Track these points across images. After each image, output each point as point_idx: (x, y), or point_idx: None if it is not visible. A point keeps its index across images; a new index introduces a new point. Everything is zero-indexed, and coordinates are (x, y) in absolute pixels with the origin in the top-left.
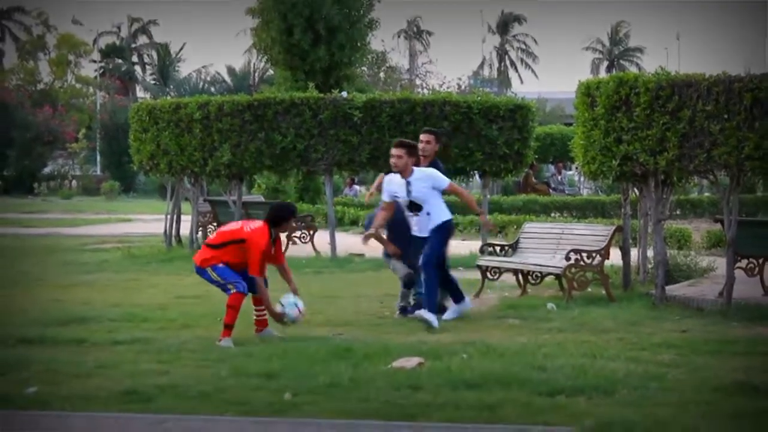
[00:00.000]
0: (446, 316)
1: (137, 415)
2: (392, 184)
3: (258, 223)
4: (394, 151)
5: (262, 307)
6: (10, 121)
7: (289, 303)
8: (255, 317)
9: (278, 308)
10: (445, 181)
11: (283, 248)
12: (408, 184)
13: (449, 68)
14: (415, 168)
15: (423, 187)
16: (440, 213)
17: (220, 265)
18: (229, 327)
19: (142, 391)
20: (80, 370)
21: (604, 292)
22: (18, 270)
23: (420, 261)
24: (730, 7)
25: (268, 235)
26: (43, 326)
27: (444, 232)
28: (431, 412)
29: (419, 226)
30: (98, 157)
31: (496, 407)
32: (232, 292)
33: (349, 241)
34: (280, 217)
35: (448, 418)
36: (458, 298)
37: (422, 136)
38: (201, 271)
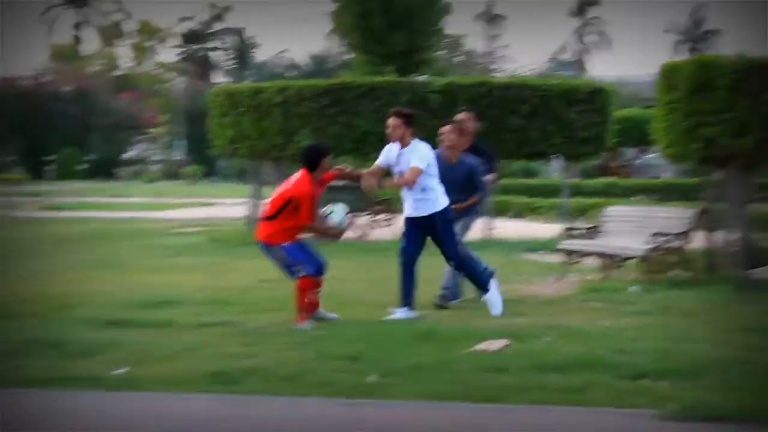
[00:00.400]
0: (395, 315)
1: (224, 397)
2: (390, 152)
3: (297, 175)
4: (389, 121)
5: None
6: (91, 107)
7: (336, 209)
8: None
9: (330, 220)
10: (413, 160)
11: (366, 231)
12: (399, 155)
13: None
14: (413, 140)
15: (405, 161)
16: (437, 197)
17: (289, 244)
18: (304, 310)
19: (228, 373)
20: (168, 352)
21: (687, 275)
22: (104, 253)
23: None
24: None
25: (311, 181)
26: (130, 309)
27: (442, 223)
28: (516, 395)
29: (411, 205)
30: (179, 142)
31: (581, 390)
32: (300, 275)
33: None
34: (314, 158)
35: (533, 401)
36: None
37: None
38: (267, 248)
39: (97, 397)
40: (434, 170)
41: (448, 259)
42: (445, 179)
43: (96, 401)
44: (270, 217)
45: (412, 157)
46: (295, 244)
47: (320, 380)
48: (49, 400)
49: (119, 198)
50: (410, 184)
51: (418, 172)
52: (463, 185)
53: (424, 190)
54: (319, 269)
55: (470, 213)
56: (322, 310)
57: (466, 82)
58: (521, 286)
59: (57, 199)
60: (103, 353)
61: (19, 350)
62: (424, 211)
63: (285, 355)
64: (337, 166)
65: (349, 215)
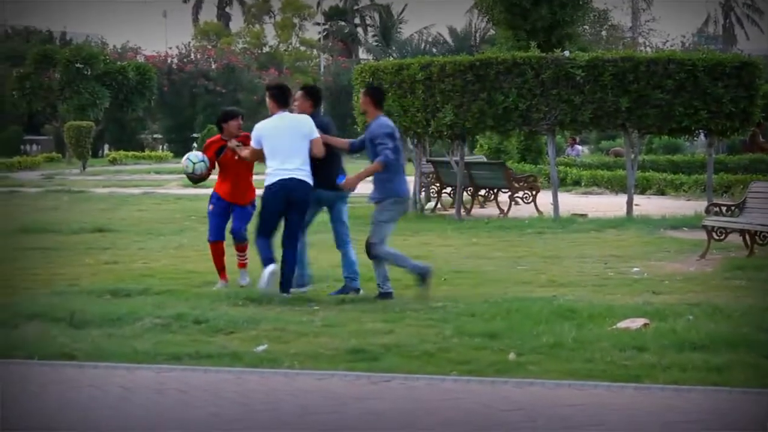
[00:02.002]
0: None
1: (363, 374)
2: None
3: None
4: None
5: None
6: (237, 83)
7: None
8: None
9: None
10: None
11: (506, 209)
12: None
13: (672, 26)
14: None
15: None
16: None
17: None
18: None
19: (367, 349)
20: (307, 328)
21: None
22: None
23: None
24: None
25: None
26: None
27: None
28: (656, 374)
29: None
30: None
31: (723, 369)
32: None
33: (571, 202)
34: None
35: (673, 380)
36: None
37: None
38: None
39: (236, 374)
40: None
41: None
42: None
43: (234, 378)
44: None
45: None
46: (211, 209)
47: (459, 358)
48: (190, 376)
49: (262, 175)
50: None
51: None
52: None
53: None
54: (216, 236)
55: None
56: (243, 272)
57: (610, 57)
58: (664, 264)
59: None
60: (242, 330)
61: (167, 326)
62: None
63: (423, 332)
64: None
65: (199, 163)
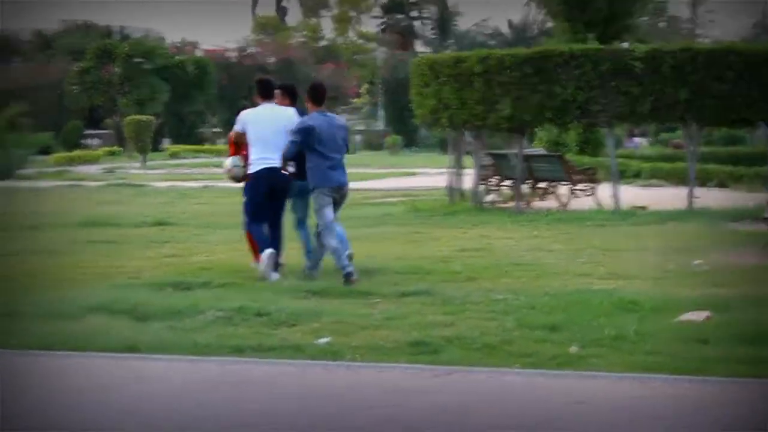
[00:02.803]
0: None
1: (425, 367)
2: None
3: None
4: None
5: None
6: (295, 77)
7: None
8: None
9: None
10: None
11: (566, 201)
12: None
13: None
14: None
15: None
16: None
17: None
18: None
19: (429, 342)
20: (368, 321)
21: None
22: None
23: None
24: None
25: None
26: (331, 278)
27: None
28: (718, 367)
29: None
30: (381, 113)
31: None
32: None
33: (631, 194)
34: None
35: (735, 373)
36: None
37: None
38: None
39: (298, 366)
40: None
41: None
42: None
43: (296, 370)
44: None
45: None
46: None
47: (520, 350)
48: (252, 369)
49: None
50: None
51: None
52: None
53: None
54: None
55: None
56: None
57: (669, 48)
58: (725, 256)
59: None
60: (304, 323)
61: (229, 318)
62: None
63: (484, 324)
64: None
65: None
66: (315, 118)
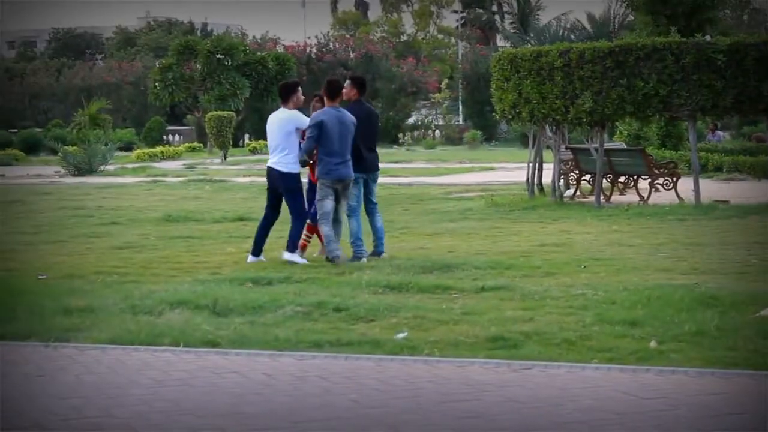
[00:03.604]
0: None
1: (503, 362)
2: None
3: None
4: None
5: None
6: (376, 72)
7: None
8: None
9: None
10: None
11: (646, 196)
12: None
13: None
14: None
15: None
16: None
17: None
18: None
19: (507, 337)
20: (447, 316)
21: None
22: (390, 218)
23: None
24: None
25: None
26: (409, 273)
27: None
28: None
29: None
30: (460, 107)
31: None
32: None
33: (713, 188)
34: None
35: None
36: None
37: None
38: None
39: (376, 361)
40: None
41: None
42: None
43: (375, 365)
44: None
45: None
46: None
47: (599, 345)
48: (332, 363)
49: (401, 164)
50: None
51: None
52: None
53: None
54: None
55: None
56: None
57: (752, 41)
58: None
59: None
60: (382, 318)
61: (308, 313)
62: None
63: (563, 319)
64: None
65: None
66: (327, 112)
